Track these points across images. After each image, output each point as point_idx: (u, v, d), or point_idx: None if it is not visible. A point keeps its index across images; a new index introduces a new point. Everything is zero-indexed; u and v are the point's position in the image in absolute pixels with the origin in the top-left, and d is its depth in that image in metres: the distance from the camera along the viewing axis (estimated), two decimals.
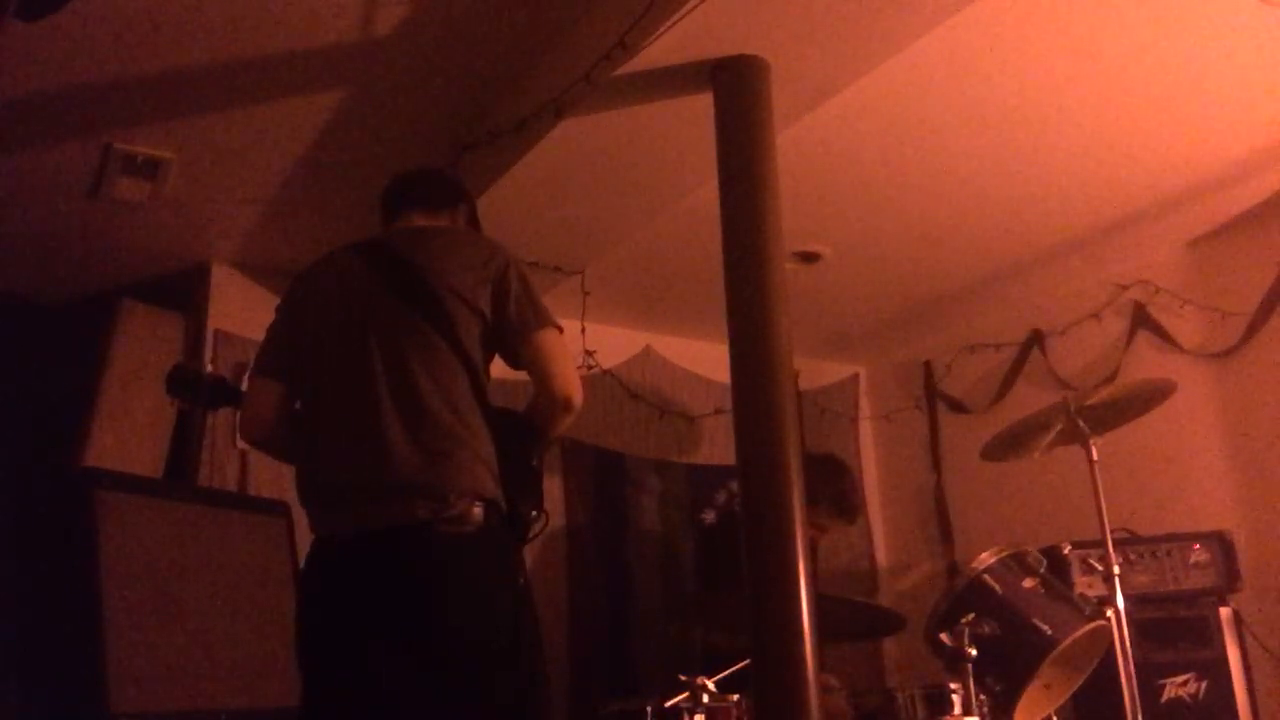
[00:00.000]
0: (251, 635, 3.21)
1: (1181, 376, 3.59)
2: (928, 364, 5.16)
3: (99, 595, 2.87)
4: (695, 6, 2.44)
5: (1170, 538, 3.71)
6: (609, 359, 4.39)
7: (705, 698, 2.52)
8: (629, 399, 4.59)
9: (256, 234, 3.91)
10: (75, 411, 3.69)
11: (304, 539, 2.28)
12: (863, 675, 4.63)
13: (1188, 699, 3.50)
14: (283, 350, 2.30)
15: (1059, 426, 3.18)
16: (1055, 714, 2.99)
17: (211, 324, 3.97)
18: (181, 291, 4.10)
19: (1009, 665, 2.80)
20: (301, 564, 2.32)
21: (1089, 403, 3.11)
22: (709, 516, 4.67)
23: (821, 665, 2.20)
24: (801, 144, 3.19)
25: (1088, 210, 3.97)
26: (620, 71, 2.67)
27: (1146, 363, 4.32)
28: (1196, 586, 3.63)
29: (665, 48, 2.58)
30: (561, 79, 2.84)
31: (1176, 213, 4.01)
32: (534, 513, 2.22)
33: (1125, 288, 4.43)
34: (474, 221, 2.53)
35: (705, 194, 2.80)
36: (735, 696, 2.54)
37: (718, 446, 4.73)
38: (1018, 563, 3.00)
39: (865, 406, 5.41)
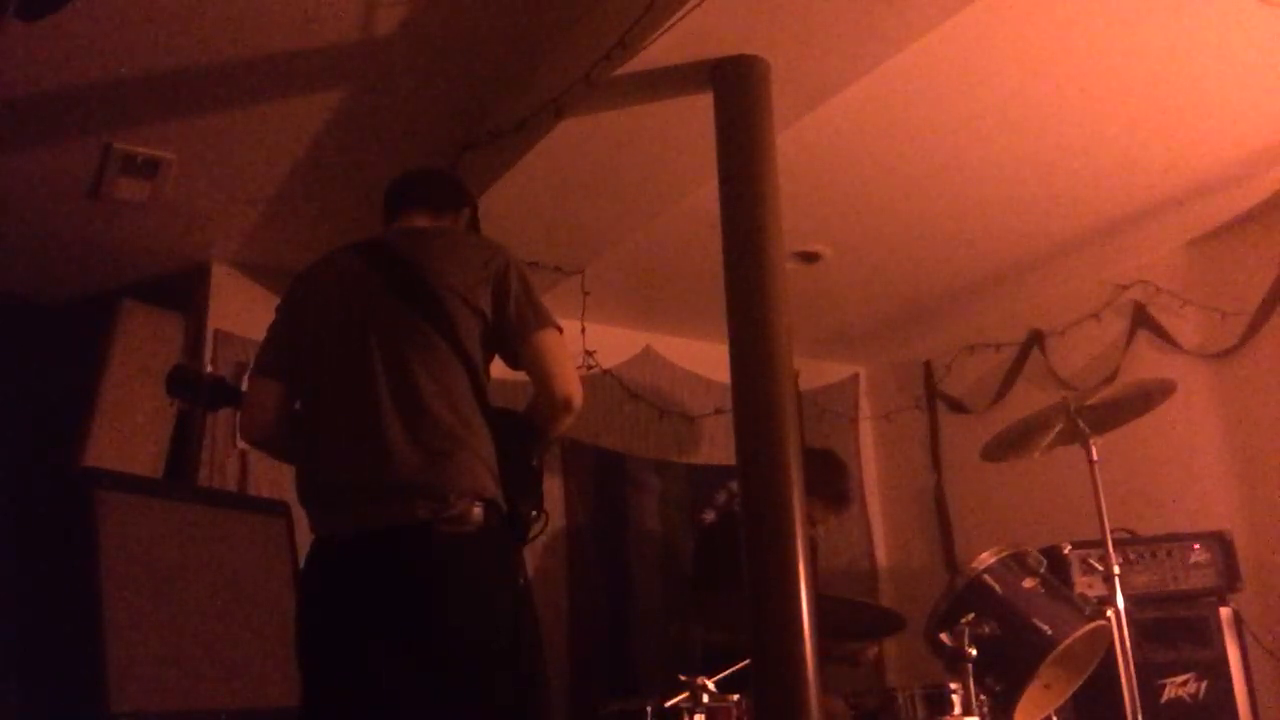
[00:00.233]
0: (251, 635, 3.20)
1: (1181, 376, 3.59)
2: (928, 364, 5.16)
3: (99, 595, 2.87)
4: (695, 6, 2.44)
5: (1170, 538, 3.70)
6: (609, 359, 4.39)
7: (705, 698, 2.52)
8: (629, 399, 4.59)
9: (256, 234, 3.91)
10: (75, 411, 3.69)
11: (304, 539, 2.28)
12: (863, 676, 4.62)
13: (1188, 699, 3.50)
14: (283, 350, 2.30)
15: (1059, 426, 3.18)
16: (1055, 714, 2.98)
17: (211, 324, 3.97)
18: (181, 291, 4.10)
19: (1009, 665, 2.80)
20: (301, 564, 2.32)
21: (1089, 403, 3.11)
22: (709, 516, 4.67)
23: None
24: (801, 144, 3.20)
25: (1088, 210, 3.97)
26: (620, 71, 2.67)
27: (1146, 363, 4.32)
28: (1196, 586, 3.63)
29: (665, 48, 2.58)
30: (561, 79, 2.84)
31: (1176, 213, 4.01)
32: (534, 513, 2.22)
33: (1125, 288, 4.43)
34: (475, 226, 2.52)
35: (705, 194, 2.80)
36: (735, 696, 2.54)
37: (718, 446, 4.73)
38: (1018, 563, 3.00)
39: (865, 406, 5.42)
